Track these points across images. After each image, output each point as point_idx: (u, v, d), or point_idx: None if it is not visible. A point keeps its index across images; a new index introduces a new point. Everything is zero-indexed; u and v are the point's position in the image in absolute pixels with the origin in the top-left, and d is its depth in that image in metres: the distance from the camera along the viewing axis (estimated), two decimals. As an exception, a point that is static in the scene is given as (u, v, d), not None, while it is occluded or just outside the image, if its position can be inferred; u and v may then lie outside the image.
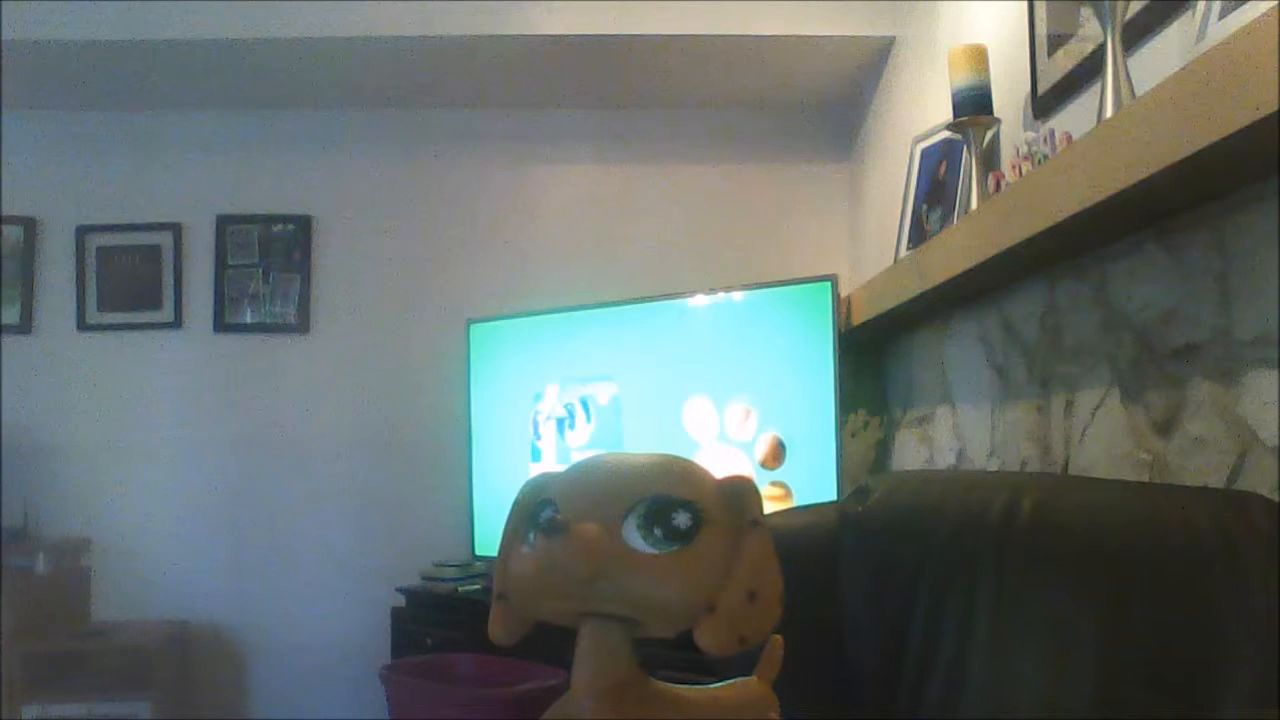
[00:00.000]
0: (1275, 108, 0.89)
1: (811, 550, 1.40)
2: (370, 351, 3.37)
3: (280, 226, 3.38)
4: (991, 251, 1.59)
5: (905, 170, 2.51)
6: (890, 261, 2.50)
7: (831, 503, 1.57)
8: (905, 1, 2.74)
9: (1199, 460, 1.25)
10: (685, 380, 2.72)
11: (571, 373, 2.93)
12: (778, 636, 1.07)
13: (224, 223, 3.38)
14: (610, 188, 3.40)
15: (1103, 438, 1.51)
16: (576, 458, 1.70)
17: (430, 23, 2.81)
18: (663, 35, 2.83)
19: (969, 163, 1.97)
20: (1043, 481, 1.32)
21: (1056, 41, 1.75)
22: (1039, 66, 1.82)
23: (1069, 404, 1.63)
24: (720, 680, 1.03)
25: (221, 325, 3.36)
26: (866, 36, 2.83)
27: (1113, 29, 1.35)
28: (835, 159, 3.39)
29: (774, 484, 2.52)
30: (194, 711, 3.23)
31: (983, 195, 1.87)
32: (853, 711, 1.32)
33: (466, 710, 2.39)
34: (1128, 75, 1.34)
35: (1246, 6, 1.08)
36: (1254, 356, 1.14)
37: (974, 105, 1.91)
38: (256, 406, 3.35)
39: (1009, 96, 1.96)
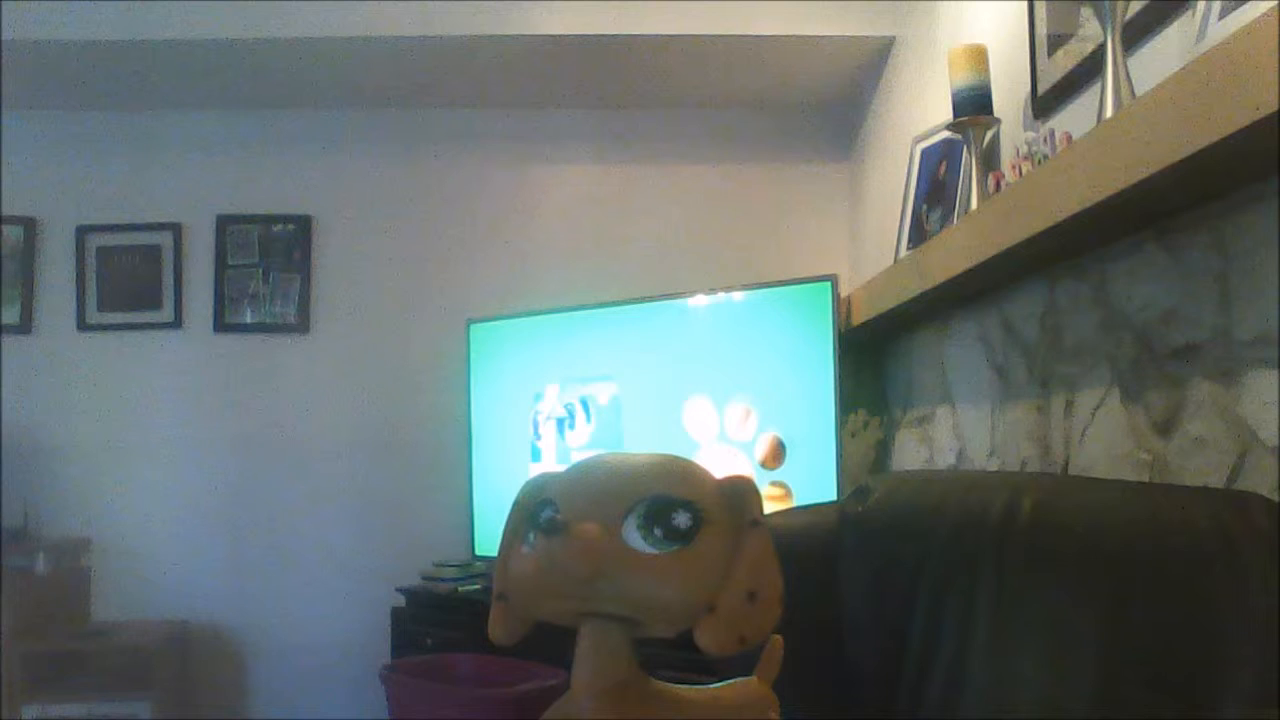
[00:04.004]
0: (1275, 108, 0.89)
1: (811, 550, 1.40)
2: (370, 351, 3.37)
3: (280, 226, 3.38)
4: (991, 251, 1.59)
5: (905, 170, 2.51)
6: (890, 261, 2.50)
7: (831, 503, 1.57)
8: (905, 1, 2.74)
9: (1199, 460, 1.25)
10: (685, 380, 2.72)
11: (571, 373, 2.93)
12: (778, 636, 1.06)
13: (224, 223, 3.38)
14: (610, 188, 3.40)
15: (1103, 438, 1.51)
16: (576, 458, 1.70)
17: (430, 23, 2.81)
18: (663, 35, 2.83)
19: (969, 163, 1.97)
20: (1043, 481, 1.32)
21: (1056, 41, 1.75)
22: (1039, 66, 1.82)
23: (1069, 404, 1.63)
24: (720, 680, 1.03)
25: (221, 325, 3.36)
26: (866, 36, 2.83)
27: (1113, 29, 1.35)
28: (835, 159, 3.39)
29: (774, 484, 2.52)
30: (194, 711, 3.23)
31: (983, 195, 1.87)
32: (853, 711, 1.32)
33: (466, 710, 2.39)
34: (1128, 75, 1.34)
35: (1246, 6, 1.08)
36: (1254, 356, 1.14)
37: (974, 105, 1.91)
38: (256, 406, 3.35)
39: (1009, 96, 1.96)
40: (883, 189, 2.93)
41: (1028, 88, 1.86)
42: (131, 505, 3.30)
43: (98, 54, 2.91)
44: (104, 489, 3.29)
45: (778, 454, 2.54)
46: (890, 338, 2.72)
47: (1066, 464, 1.63)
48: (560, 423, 2.93)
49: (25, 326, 3.32)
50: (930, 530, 1.28)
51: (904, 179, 2.51)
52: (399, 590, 3.01)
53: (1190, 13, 1.27)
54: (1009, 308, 1.87)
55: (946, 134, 2.23)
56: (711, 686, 1.02)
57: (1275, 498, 1.05)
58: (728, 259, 3.30)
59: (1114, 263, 1.47)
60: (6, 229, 3.32)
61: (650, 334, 2.82)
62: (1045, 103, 1.79)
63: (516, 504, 0.98)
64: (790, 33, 2.82)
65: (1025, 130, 1.88)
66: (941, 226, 2.19)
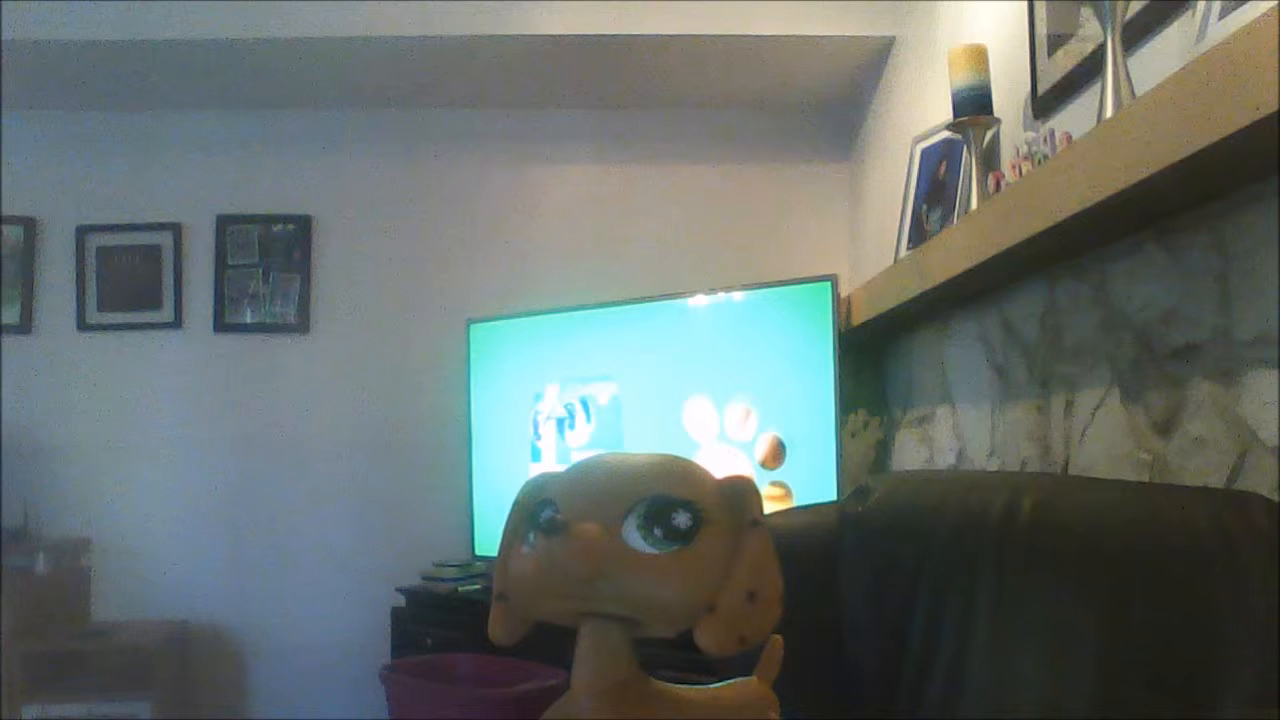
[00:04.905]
0: (1275, 108, 0.89)
1: (811, 550, 1.40)
2: (370, 351, 3.37)
3: (280, 226, 3.38)
4: (991, 251, 1.59)
5: (905, 170, 2.51)
6: (890, 261, 2.50)
7: (831, 503, 1.57)
8: (905, 1, 2.74)
9: (1199, 460, 1.25)
10: (685, 380, 2.72)
11: (571, 373, 2.93)
12: (778, 636, 1.06)
13: (224, 223, 3.38)
14: (610, 188, 3.40)
15: (1103, 438, 1.51)
16: (576, 458, 1.70)
17: (430, 23, 2.81)
18: (663, 35, 2.83)
19: (969, 163, 1.97)
20: (1043, 481, 1.32)
21: (1056, 41, 1.75)
22: (1039, 66, 1.82)
23: (1069, 404, 1.63)
24: (720, 680, 1.03)
25: (221, 325, 3.36)
26: (866, 36, 2.83)
27: (1113, 29, 1.35)
28: (835, 159, 3.39)
29: (774, 484, 2.52)
30: (194, 711, 3.23)
31: (983, 195, 1.87)
32: (853, 711, 1.32)
33: (466, 710, 2.39)
34: (1128, 75, 1.34)
35: (1246, 6, 1.08)
36: (1254, 356, 1.14)
37: (974, 105, 1.91)
38: (256, 406, 3.35)
39: (1009, 96, 1.96)
40: (883, 189, 2.93)
41: (1028, 88, 1.86)
42: (131, 505, 3.30)
43: (98, 54, 2.91)
44: (104, 489, 3.29)
45: (778, 454, 2.54)
46: (890, 338, 2.72)
47: (1066, 464, 1.63)
48: (560, 423, 2.93)
49: (25, 326, 3.32)
50: (930, 530, 1.28)
51: (904, 179, 2.51)
52: (399, 590, 3.01)
53: (1190, 13, 1.27)
54: (1009, 308, 1.87)
55: (946, 134, 2.22)
56: (711, 686, 1.02)
57: (1275, 498, 1.05)
58: (728, 259, 3.30)
59: (1114, 263, 1.47)
60: (6, 229, 3.32)
61: (650, 334, 2.82)
62: (1045, 103, 1.79)
63: (516, 504, 0.98)
64: (790, 33, 2.82)
65: (1025, 130, 1.88)
66: (941, 226, 2.19)
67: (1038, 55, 1.82)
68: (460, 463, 3.16)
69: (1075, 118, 1.67)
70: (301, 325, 3.37)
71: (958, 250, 1.74)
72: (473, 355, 3.14)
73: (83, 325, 3.34)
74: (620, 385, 2.83)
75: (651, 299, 2.84)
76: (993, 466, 1.97)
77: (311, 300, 3.37)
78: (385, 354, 3.37)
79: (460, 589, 2.91)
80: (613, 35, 2.83)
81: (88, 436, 3.30)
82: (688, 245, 3.35)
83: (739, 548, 0.90)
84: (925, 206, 2.36)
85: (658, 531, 0.87)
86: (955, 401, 2.22)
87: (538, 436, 2.98)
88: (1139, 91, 1.27)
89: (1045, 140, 1.59)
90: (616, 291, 3.08)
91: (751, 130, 3.40)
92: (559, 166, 3.41)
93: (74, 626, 3.14)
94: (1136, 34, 1.43)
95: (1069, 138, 1.52)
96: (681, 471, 0.94)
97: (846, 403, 2.61)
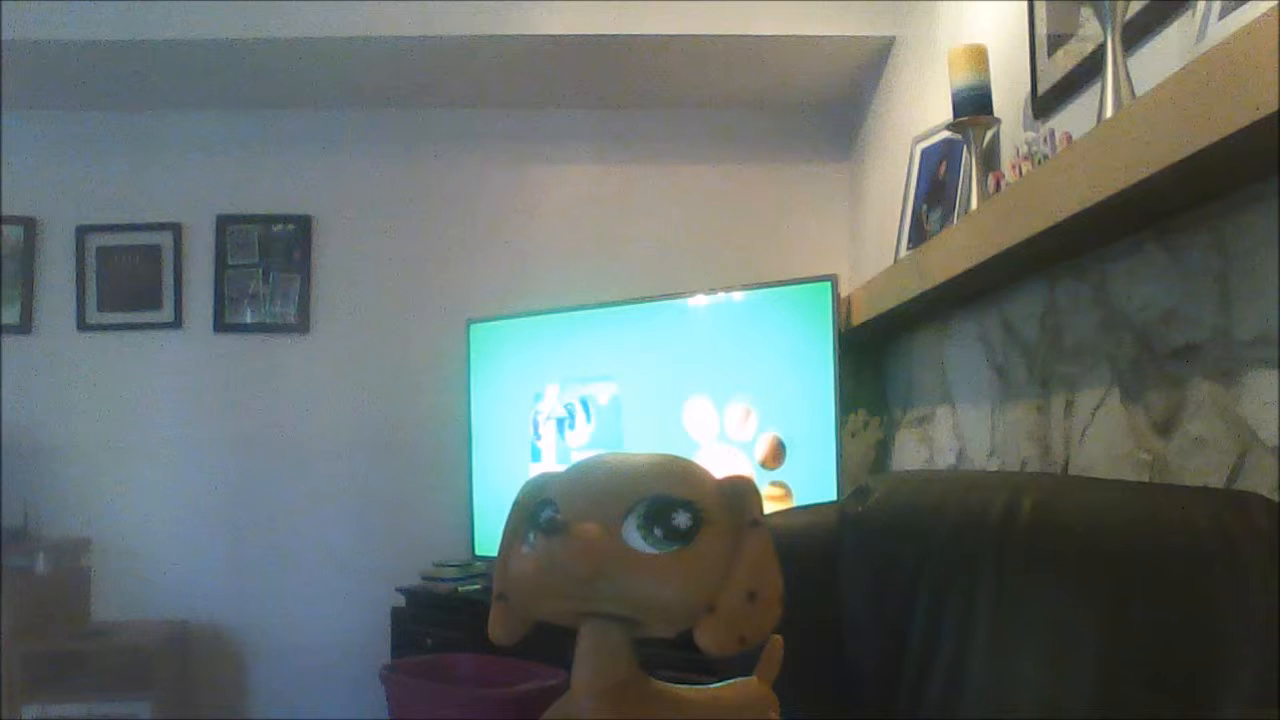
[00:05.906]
0: (1275, 108, 0.89)
1: (811, 550, 1.40)
2: (370, 351, 3.37)
3: (280, 226, 3.38)
4: (991, 251, 1.59)
5: (905, 170, 2.51)
6: (890, 261, 2.50)
7: (831, 503, 1.57)
8: (905, 1, 2.74)
9: (1199, 460, 1.25)
10: (685, 380, 2.72)
11: (571, 373, 2.93)
12: (778, 636, 1.06)
13: (224, 223, 3.38)
14: (610, 188, 3.40)
15: (1103, 438, 1.51)
16: (576, 458, 1.70)
17: (430, 23, 2.81)
18: (663, 35, 2.83)
19: (969, 163, 1.97)
20: (1043, 481, 1.32)
21: (1056, 41, 1.75)
22: (1039, 66, 1.82)
23: (1069, 404, 1.63)
24: (720, 680, 1.03)
25: (221, 325, 3.36)
26: (866, 36, 2.83)
27: (1113, 29, 1.35)
28: (835, 159, 3.39)
29: (774, 484, 2.52)
30: (194, 711, 3.23)
31: (983, 195, 1.87)
32: (853, 711, 1.32)
33: (466, 710, 2.39)
34: (1128, 75, 1.34)
35: (1246, 6, 1.08)
36: (1254, 356, 1.14)
37: (974, 105, 1.91)
38: (256, 406, 3.35)
39: (1009, 96, 1.96)
40: (883, 189, 2.93)
41: (1028, 88, 1.86)
42: (131, 505, 3.30)
43: (98, 54, 2.91)
44: (104, 489, 3.29)
45: (778, 454, 2.54)
46: (890, 338, 2.72)
47: (1066, 464, 1.63)
48: (560, 423, 2.93)
49: (25, 326, 3.32)
50: (930, 530, 1.28)
51: (904, 179, 2.51)
52: (399, 590, 3.01)
53: (1190, 13, 1.27)
54: (1009, 308, 1.87)
55: (946, 134, 2.22)
56: (711, 686, 1.02)
57: (1275, 498, 1.05)
58: (728, 259, 3.30)
59: (1114, 263, 1.47)
60: (6, 229, 3.32)
61: (650, 334, 2.82)
62: (1045, 103, 1.79)
63: (516, 504, 0.98)
64: (790, 33, 2.82)
65: (1025, 130, 1.88)
66: (941, 226, 2.19)
67: (1038, 55, 1.82)
68: (460, 463, 3.16)
69: (1075, 118, 1.67)
70: (301, 325, 3.37)
71: (958, 250, 1.74)
72: (473, 355, 3.14)
73: (83, 325, 3.34)
74: (620, 385, 2.84)
75: (651, 299, 2.84)
76: (993, 466, 1.97)
77: (311, 300, 3.37)
78: (385, 354, 3.37)
79: (460, 589, 2.91)
80: (613, 35, 2.83)
81: (88, 436, 3.30)
82: (688, 245, 3.35)
83: (739, 548, 0.90)
84: (925, 206, 2.36)
85: (658, 531, 0.87)
86: (955, 401, 2.22)
87: (538, 436, 2.98)
88: (1139, 91, 1.27)
89: (1045, 140, 1.59)
90: (616, 291, 3.08)
91: (751, 130, 3.40)
92: (559, 166, 3.41)
93: (74, 626, 3.14)
94: (1136, 34, 1.43)
95: (1069, 138, 1.52)
96: (681, 471, 0.94)
97: (846, 403, 2.61)
